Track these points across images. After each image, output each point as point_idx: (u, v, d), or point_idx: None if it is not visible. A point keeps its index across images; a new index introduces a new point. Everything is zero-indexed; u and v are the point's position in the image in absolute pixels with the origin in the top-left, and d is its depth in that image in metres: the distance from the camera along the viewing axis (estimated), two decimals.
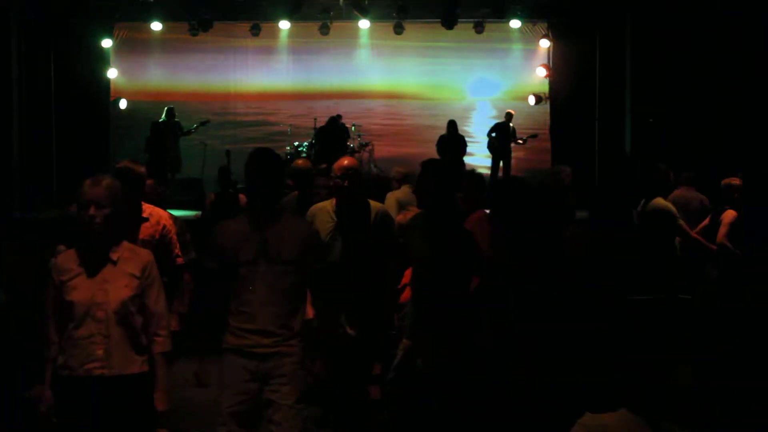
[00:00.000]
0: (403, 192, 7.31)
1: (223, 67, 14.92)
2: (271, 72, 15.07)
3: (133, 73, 14.67)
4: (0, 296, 5.04)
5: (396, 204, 6.96)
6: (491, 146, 13.54)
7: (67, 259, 3.31)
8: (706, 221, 6.76)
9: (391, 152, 14.13)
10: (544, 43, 14.31)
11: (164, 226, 4.54)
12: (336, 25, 14.08)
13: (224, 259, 3.52)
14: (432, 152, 12.12)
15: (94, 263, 3.27)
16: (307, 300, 3.70)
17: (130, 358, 3.26)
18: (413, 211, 5.22)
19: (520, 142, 13.54)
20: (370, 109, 15.11)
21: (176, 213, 5.67)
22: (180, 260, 4.67)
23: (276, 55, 14.92)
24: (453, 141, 12.82)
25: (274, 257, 3.46)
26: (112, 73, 14.14)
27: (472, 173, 5.97)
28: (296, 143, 13.19)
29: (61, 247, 4.14)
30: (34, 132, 12.94)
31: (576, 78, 13.95)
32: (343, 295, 4.47)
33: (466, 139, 13.22)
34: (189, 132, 13.37)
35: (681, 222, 6.51)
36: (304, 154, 12.67)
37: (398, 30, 13.96)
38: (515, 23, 14.01)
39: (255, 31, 14.18)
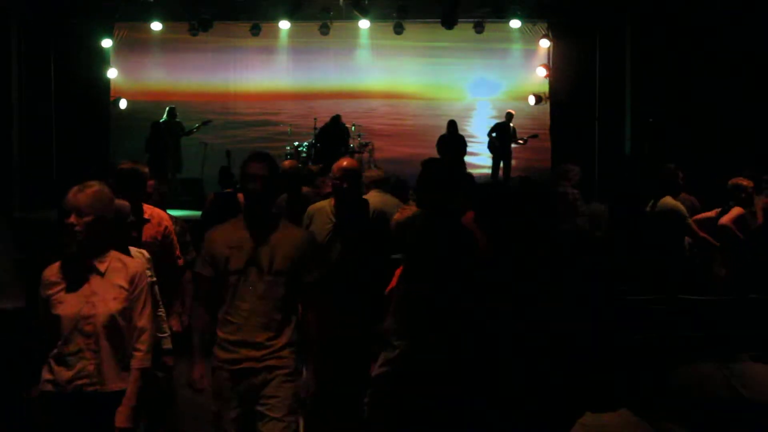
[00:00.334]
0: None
1: (223, 67, 14.91)
2: (271, 72, 15.05)
3: (133, 73, 14.67)
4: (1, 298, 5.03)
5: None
6: (491, 146, 13.56)
7: (53, 272, 3.19)
8: (712, 213, 6.69)
9: (391, 152, 14.12)
10: (544, 43, 14.31)
11: (166, 227, 4.55)
12: (336, 25, 14.09)
13: (216, 266, 3.39)
14: (432, 152, 12.11)
15: (80, 275, 3.16)
16: (299, 309, 3.55)
17: (121, 373, 3.17)
18: (411, 208, 5.19)
19: (521, 142, 13.55)
20: (370, 109, 15.11)
21: (177, 213, 5.67)
22: (181, 261, 4.69)
23: (276, 55, 14.91)
24: (453, 141, 12.83)
25: (265, 267, 3.34)
26: (112, 73, 14.14)
27: (463, 175, 5.93)
28: (296, 143, 13.18)
29: None
30: (34, 132, 12.93)
31: (576, 78, 13.95)
32: (342, 297, 4.45)
33: (467, 139, 13.23)
34: (191, 132, 13.38)
35: (690, 222, 6.51)
36: (304, 155, 12.69)
37: (398, 30, 13.97)
38: (515, 23, 14.02)
39: (255, 31, 14.18)
